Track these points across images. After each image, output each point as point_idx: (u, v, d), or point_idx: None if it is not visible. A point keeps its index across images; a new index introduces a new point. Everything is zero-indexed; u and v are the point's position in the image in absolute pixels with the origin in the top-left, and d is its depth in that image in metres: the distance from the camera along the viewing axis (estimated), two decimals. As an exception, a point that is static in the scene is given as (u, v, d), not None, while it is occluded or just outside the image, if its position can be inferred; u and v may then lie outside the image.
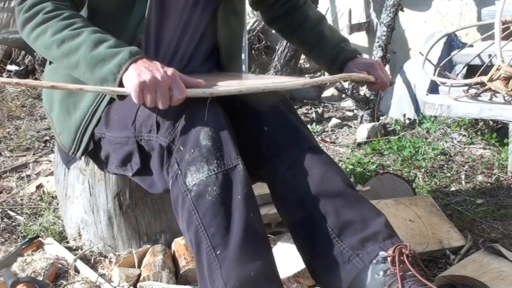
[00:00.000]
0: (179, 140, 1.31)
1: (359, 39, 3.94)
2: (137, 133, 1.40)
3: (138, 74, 1.26)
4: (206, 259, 1.24)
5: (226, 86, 1.38)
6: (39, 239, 1.86)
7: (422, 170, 2.57)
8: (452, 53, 2.97)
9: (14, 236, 1.98)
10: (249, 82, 1.51)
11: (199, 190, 1.26)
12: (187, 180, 1.27)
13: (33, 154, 2.91)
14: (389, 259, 1.26)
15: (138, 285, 1.61)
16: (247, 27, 3.90)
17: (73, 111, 1.55)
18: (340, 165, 2.62)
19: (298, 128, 1.45)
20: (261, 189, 1.76)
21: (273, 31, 4.31)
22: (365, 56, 3.91)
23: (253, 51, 4.12)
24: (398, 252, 1.26)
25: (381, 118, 3.49)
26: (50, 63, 1.64)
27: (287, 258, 1.61)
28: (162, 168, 1.36)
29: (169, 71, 1.28)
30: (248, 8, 4.15)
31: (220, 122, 1.32)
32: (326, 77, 1.61)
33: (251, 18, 4.25)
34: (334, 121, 3.53)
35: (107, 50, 1.33)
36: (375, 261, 1.27)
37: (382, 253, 1.28)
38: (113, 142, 1.48)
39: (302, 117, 3.57)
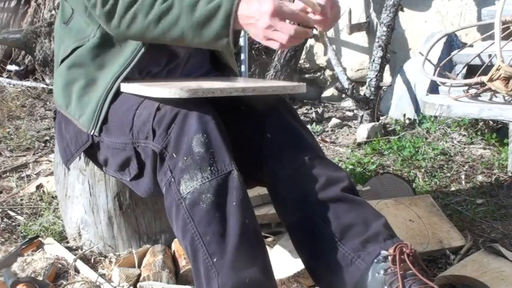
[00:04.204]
0: (172, 147, 1.30)
1: (359, 39, 3.94)
2: (135, 139, 1.40)
3: (252, 16, 1.25)
4: (203, 267, 1.24)
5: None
6: (39, 239, 1.86)
7: (422, 170, 2.57)
8: (452, 53, 2.97)
9: (14, 236, 1.97)
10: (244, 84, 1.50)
11: (193, 198, 1.25)
12: (181, 188, 1.27)
13: (33, 154, 2.91)
14: (390, 258, 1.26)
15: (138, 285, 1.61)
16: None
17: (97, 87, 1.51)
18: (340, 165, 2.62)
19: (302, 135, 1.44)
20: (260, 189, 1.76)
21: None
22: (363, 55, 3.92)
23: (253, 51, 4.11)
24: (399, 251, 1.26)
25: (381, 118, 3.49)
26: (62, 61, 1.59)
27: (287, 258, 1.61)
28: (155, 175, 1.36)
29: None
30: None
31: (213, 127, 1.31)
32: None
33: (251, 18, 4.25)
34: (334, 121, 3.53)
35: (206, 7, 1.29)
36: (375, 260, 1.27)
37: (383, 252, 1.28)
38: (111, 147, 1.47)
39: (302, 117, 3.58)
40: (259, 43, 4.34)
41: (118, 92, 1.48)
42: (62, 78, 1.57)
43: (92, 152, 1.58)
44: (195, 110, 1.31)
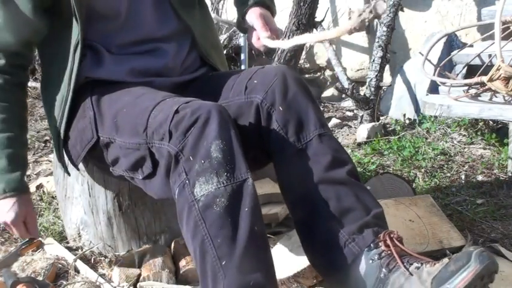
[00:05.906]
0: (189, 150, 1.31)
1: (359, 39, 3.94)
2: (149, 140, 1.40)
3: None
4: (211, 269, 1.24)
5: None
6: (39, 239, 1.86)
7: (422, 170, 2.57)
8: (452, 53, 2.97)
9: (14, 236, 1.97)
10: None
11: (207, 201, 1.27)
12: (195, 191, 1.28)
13: (33, 154, 2.91)
14: (381, 244, 1.30)
15: (138, 285, 1.61)
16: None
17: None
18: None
19: (311, 112, 1.47)
20: (261, 189, 1.76)
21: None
22: (363, 55, 3.92)
23: (253, 51, 4.11)
24: (388, 236, 1.31)
25: (381, 118, 3.49)
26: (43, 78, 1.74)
27: (287, 258, 1.60)
28: (168, 176, 1.36)
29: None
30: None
31: (233, 136, 1.33)
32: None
33: (251, 18, 4.25)
34: (334, 121, 3.53)
35: None
36: (366, 249, 1.31)
37: (375, 240, 1.32)
38: (123, 147, 1.47)
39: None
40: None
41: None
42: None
43: (94, 152, 1.57)
44: (216, 116, 1.33)
